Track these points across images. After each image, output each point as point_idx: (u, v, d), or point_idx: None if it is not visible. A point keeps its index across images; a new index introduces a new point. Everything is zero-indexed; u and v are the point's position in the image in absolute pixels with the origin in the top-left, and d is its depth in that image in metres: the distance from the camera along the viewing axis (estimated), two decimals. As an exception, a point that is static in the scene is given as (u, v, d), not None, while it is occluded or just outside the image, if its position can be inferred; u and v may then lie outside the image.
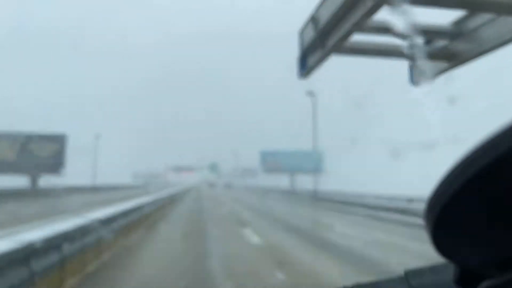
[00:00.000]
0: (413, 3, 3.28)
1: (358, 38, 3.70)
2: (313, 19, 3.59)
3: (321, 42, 3.68)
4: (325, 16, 3.46)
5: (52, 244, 4.63)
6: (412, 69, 4.38)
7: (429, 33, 3.99)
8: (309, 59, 3.93)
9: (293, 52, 4.16)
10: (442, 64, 4.06)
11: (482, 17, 3.53)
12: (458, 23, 3.78)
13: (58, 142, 55.10)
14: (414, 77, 4.40)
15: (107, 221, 7.35)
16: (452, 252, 0.56)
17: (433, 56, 4.11)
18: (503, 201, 0.47)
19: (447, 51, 3.93)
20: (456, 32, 3.81)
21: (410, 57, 4.20)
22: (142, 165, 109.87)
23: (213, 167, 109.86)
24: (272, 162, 74.17)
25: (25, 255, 3.95)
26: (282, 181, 69.25)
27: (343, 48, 3.67)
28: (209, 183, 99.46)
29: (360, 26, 3.33)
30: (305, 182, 61.08)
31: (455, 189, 0.49)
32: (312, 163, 70.90)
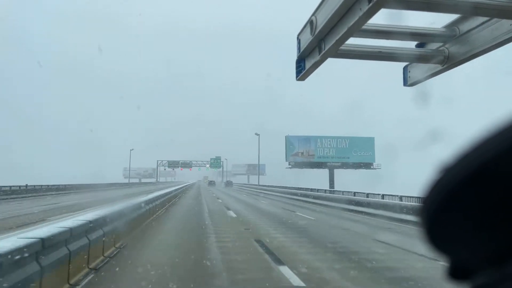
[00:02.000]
0: (407, 7, 3.35)
1: (354, 41, 3.75)
2: (311, 23, 3.63)
3: (318, 46, 3.73)
4: (322, 20, 3.50)
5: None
6: (406, 71, 4.46)
7: (423, 36, 4.06)
8: (306, 62, 3.98)
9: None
10: (436, 66, 4.13)
11: (474, 20, 3.61)
12: (451, 26, 3.86)
13: None
14: (408, 79, 4.47)
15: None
16: (445, 246, 0.57)
17: (426, 58, 4.18)
18: (499, 198, 0.48)
19: (440, 53, 3.99)
20: (448, 35, 3.89)
21: (405, 60, 4.27)
22: (136, 161, 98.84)
23: (216, 162, 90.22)
24: (303, 150, 51.77)
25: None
26: (303, 179, 46.10)
27: (340, 51, 3.72)
28: (209, 181, 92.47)
29: (356, 30, 3.37)
30: (347, 181, 42.79)
31: (452, 185, 0.51)
32: (362, 152, 51.28)
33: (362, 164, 52.19)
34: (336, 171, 51.80)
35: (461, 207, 0.52)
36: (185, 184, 57.41)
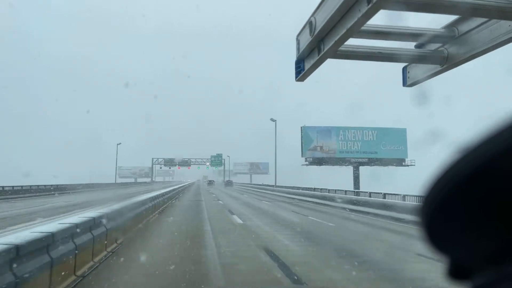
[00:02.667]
0: (406, 8, 3.35)
1: (353, 42, 3.76)
2: (310, 24, 3.64)
3: (317, 46, 3.74)
4: (321, 21, 3.51)
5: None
6: (405, 72, 4.47)
7: (422, 37, 4.06)
8: (305, 62, 3.99)
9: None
10: (435, 67, 4.13)
11: (473, 21, 3.61)
12: (450, 26, 3.87)
13: None
14: (408, 80, 4.48)
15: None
16: (445, 246, 0.57)
17: (426, 59, 4.19)
18: (499, 197, 0.48)
19: (439, 54, 4.00)
20: (448, 35, 3.89)
21: (404, 60, 4.28)
22: (134, 159, 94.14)
23: (217, 160, 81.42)
24: (322, 144, 42.51)
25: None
26: (314, 178, 37.49)
27: (339, 52, 3.73)
28: (208, 181, 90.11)
29: (356, 31, 3.38)
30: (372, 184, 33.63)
31: (452, 185, 0.51)
32: (392, 146, 42.06)
33: (392, 160, 42.95)
34: (361, 168, 43.04)
35: (461, 206, 0.52)
36: (181, 185, 44.95)
